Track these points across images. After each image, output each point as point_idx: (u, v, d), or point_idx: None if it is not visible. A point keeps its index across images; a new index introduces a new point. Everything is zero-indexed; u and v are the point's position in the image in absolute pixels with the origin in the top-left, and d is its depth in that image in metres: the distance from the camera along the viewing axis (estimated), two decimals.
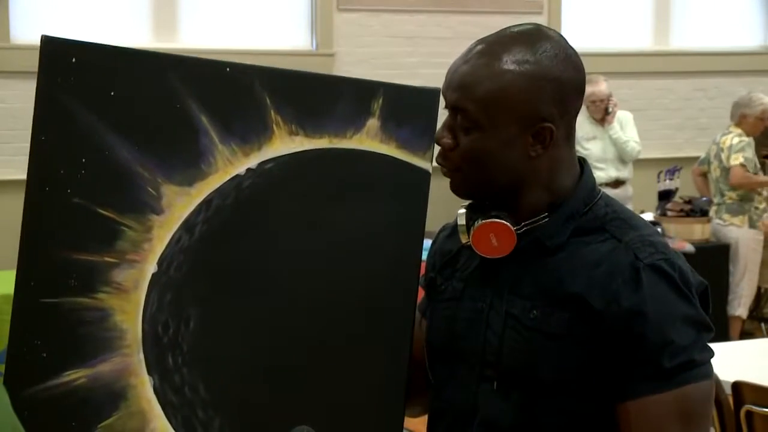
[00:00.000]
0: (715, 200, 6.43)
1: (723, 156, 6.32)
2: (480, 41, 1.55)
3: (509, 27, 1.56)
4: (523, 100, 1.50)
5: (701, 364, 1.48)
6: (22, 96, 5.81)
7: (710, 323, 1.51)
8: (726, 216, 6.33)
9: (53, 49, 1.60)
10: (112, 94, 1.60)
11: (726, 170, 6.30)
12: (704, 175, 6.64)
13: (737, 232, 6.30)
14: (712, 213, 6.46)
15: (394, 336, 1.68)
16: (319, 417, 1.65)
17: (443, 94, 1.56)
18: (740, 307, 6.33)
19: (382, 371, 1.68)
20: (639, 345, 1.46)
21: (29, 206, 1.59)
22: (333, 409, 1.67)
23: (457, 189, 1.56)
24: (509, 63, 1.50)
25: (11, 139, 6.01)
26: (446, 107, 1.56)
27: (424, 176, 1.68)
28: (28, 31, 6.10)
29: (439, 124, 1.58)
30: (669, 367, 1.45)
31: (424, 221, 1.70)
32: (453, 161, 1.54)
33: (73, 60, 1.59)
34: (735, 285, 6.34)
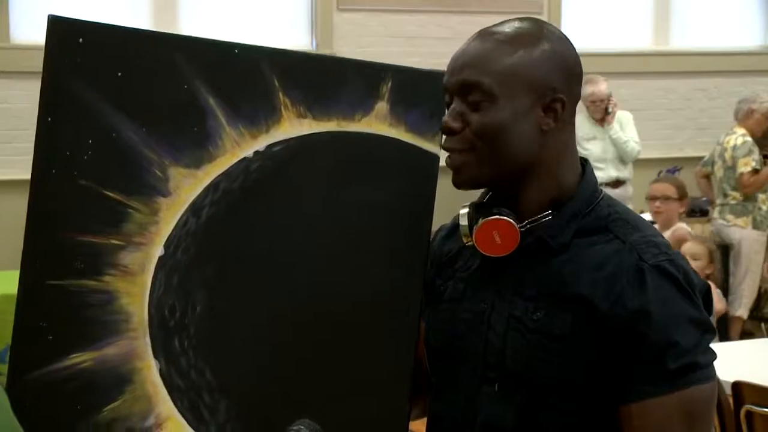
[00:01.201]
0: (718, 201, 6.42)
1: (727, 156, 6.30)
2: (480, 30, 1.56)
3: (507, 19, 1.58)
4: (534, 72, 1.50)
5: (704, 366, 1.47)
6: (23, 96, 5.80)
7: (713, 325, 1.51)
8: (730, 217, 6.32)
9: (60, 30, 1.59)
10: (120, 74, 1.59)
11: (730, 170, 6.29)
12: (707, 176, 6.63)
13: (740, 232, 6.29)
14: (715, 213, 6.44)
15: (400, 322, 1.67)
16: (324, 401, 1.64)
17: (447, 81, 1.55)
18: (741, 307, 6.32)
19: (388, 355, 1.67)
20: (643, 346, 1.45)
21: (35, 188, 1.58)
22: (337, 393, 1.66)
23: (468, 173, 1.53)
24: (518, 39, 1.52)
25: (11, 139, 6.01)
26: (450, 94, 1.54)
27: (432, 159, 1.68)
28: (28, 31, 6.10)
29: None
30: (673, 369, 1.45)
31: (433, 205, 1.69)
32: (465, 140, 1.51)
33: (80, 40, 1.58)
34: (737, 285, 6.33)
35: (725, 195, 6.37)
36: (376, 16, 6.88)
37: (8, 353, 4.17)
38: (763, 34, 8.02)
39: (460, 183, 1.55)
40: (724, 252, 6.38)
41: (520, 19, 1.56)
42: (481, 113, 1.51)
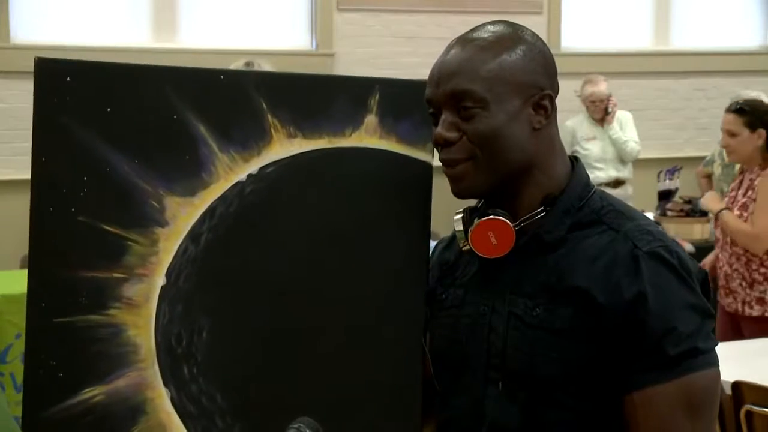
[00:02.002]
0: None
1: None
2: (458, 38, 1.58)
3: (481, 24, 1.59)
4: (519, 73, 1.52)
5: (705, 352, 1.48)
6: (22, 96, 5.79)
7: (712, 310, 1.51)
8: None
9: (47, 70, 1.60)
10: (109, 110, 1.60)
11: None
12: (709, 176, 6.62)
13: None
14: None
15: (406, 330, 1.68)
16: (338, 413, 1.65)
17: (433, 93, 1.55)
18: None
19: (397, 372, 1.68)
20: (642, 333, 1.46)
21: (35, 227, 1.59)
22: (350, 411, 1.67)
23: (469, 181, 1.54)
24: (498, 43, 1.54)
25: (11, 139, 6.01)
26: (437, 105, 1.55)
27: (426, 168, 1.68)
28: (28, 31, 6.09)
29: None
30: (673, 355, 1.45)
31: (430, 212, 1.70)
32: (464, 149, 1.53)
33: (68, 79, 1.59)
34: None
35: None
36: (376, 16, 6.87)
37: (8, 353, 4.17)
38: (763, 34, 8.02)
39: (461, 191, 1.55)
40: None
41: (493, 23, 1.58)
42: (474, 121, 1.52)
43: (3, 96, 6.06)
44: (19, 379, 3.92)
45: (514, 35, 1.55)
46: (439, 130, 1.54)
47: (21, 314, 4.34)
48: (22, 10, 6.17)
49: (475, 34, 1.56)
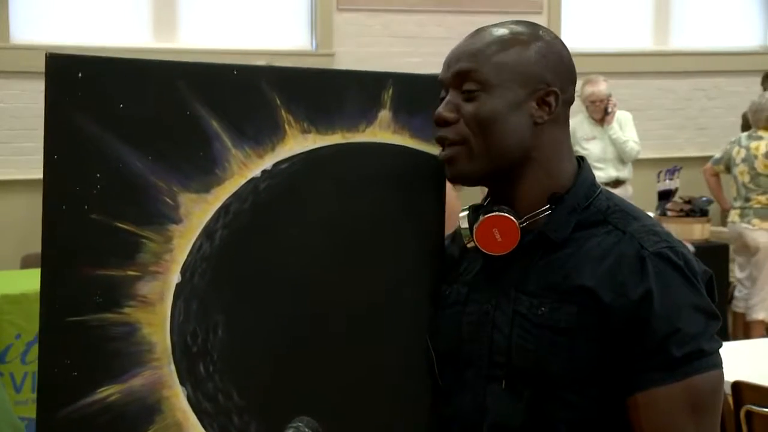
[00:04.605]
0: (737, 204, 6.33)
1: (757, 163, 6.23)
2: (478, 29, 1.60)
3: (504, 21, 1.61)
4: (529, 66, 1.53)
5: (710, 354, 1.48)
6: (22, 96, 5.80)
7: (717, 312, 1.51)
8: (755, 221, 6.24)
9: (59, 66, 1.58)
10: (121, 106, 1.58)
11: (761, 176, 6.20)
12: (717, 175, 6.58)
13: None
14: (734, 217, 6.35)
15: (422, 331, 1.68)
16: (347, 417, 1.65)
17: (443, 75, 1.57)
18: (764, 311, 6.27)
19: (411, 369, 1.68)
20: (647, 334, 1.46)
21: (48, 226, 1.57)
22: (361, 409, 1.67)
23: (461, 165, 1.55)
24: (514, 34, 1.56)
25: (11, 139, 6.00)
26: (446, 87, 1.57)
27: (440, 163, 1.68)
28: (28, 31, 6.09)
29: None
30: (677, 357, 1.45)
31: (444, 206, 1.71)
32: (458, 131, 1.54)
33: (79, 75, 1.57)
34: (760, 288, 6.27)
35: (747, 199, 6.29)
36: (376, 16, 6.88)
37: (8, 353, 4.17)
38: (763, 34, 8.02)
39: (453, 176, 1.57)
40: (722, 252, 6.36)
41: (516, 22, 1.59)
42: (475, 103, 1.53)
43: (3, 96, 6.05)
44: (19, 379, 3.92)
45: (532, 32, 1.57)
46: (439, 109, 1.55)
47: (21, 314, 4.37)
48: (22, 10, 6.17)
49: (494, 27, 1.58)
